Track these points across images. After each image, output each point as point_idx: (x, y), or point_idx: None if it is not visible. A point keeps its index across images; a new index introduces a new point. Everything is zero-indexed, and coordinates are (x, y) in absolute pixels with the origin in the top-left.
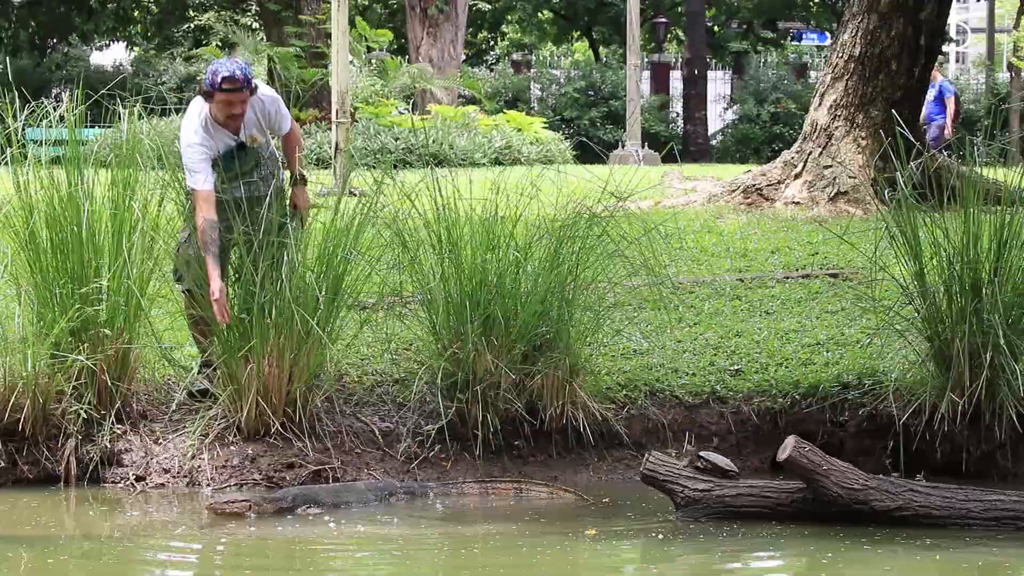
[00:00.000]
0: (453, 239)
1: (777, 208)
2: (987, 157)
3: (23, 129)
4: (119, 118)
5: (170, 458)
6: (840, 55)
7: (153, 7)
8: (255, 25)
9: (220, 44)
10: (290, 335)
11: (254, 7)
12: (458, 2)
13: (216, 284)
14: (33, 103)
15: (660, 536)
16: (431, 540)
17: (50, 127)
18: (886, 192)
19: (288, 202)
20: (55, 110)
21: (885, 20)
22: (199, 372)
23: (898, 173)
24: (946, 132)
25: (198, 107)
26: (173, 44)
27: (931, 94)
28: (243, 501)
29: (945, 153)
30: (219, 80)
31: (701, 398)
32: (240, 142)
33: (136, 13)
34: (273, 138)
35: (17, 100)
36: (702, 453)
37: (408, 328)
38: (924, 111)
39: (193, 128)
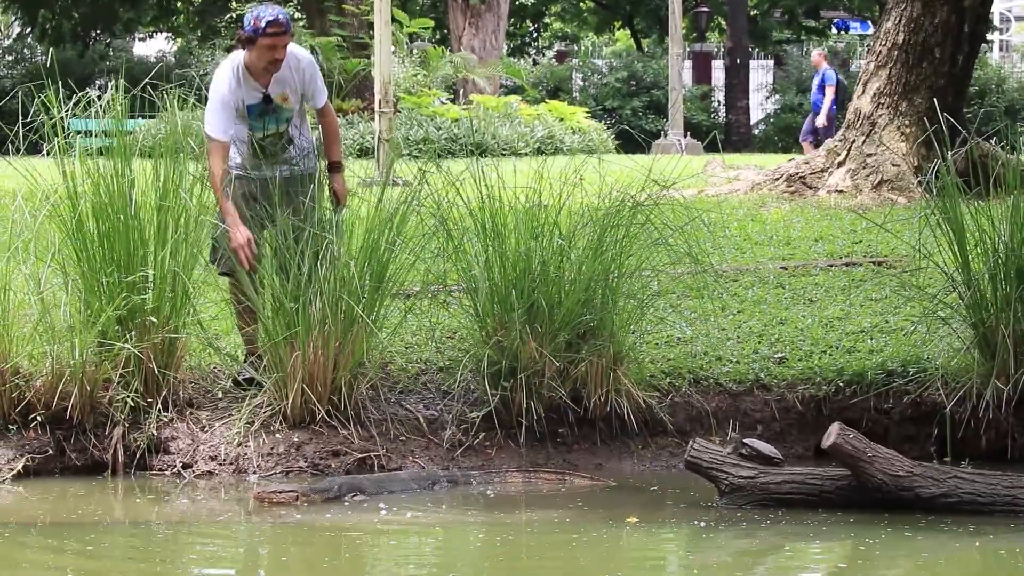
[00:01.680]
0: (497, 227)
1: (820, 196)
2: None
3: (68, 120)
4: (162, 108)
5: (216, 446)
6: (883, 43)
7: None
8: (297, 15)
9: None
10: (335, 323)
11: None
12: None
13: (239, 230)
14: (78, 94)
15: (702, 524)
16: (474, 527)
17: (96, 118)
18: (929, 179)
19: (329, 189)
20: (99, 100)
21: (929, 7)
22: (245, 360)
23: (941, 161)
24: (818, 121)
25: (231, 62)
26: (216, 34)
27: (815, 81)
28: (290, 491)
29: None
30: (263, 24)
31: (745, 386)
32: (266, 94)
33: (179, 3)
34: (305, 105)
35: (62, 91)
36: (746, 440)
37: (452, 316)
38: (811, 99)
39: (223, 77)
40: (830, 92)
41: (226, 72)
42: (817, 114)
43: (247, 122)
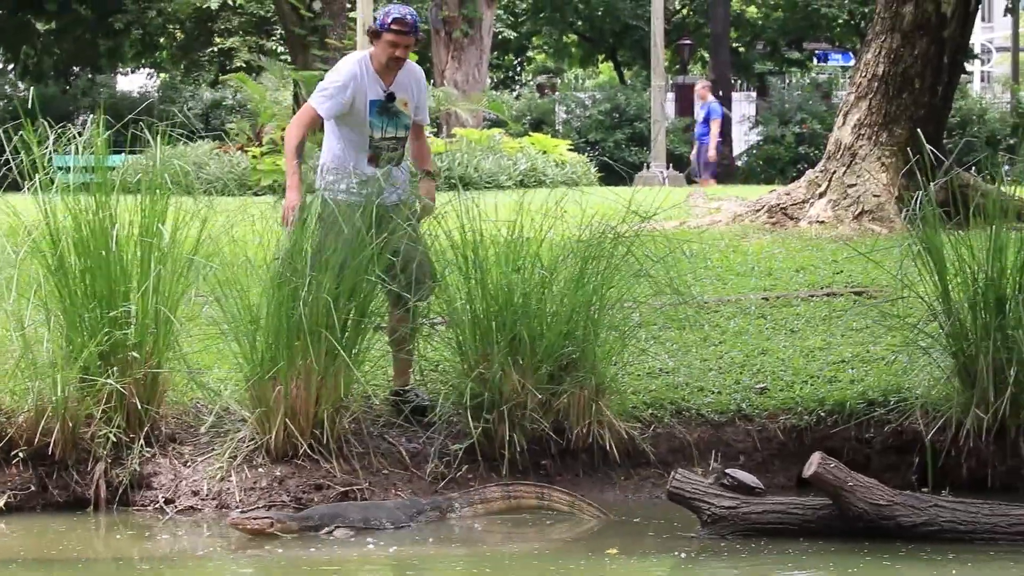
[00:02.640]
0: (479, 260)
1: (802, 227)
2: (1012, 175)
3: (50, 156)
4: (146, 143)
5: (199, 481)
6: (864, 74)
7: (178, 33)
8: (280, 50)
9: (247, 68)
10: (317, 358)
11: (279, 32)
12: (483, 26)
13: (294, 194)
14: (59, 129)
15: (683, 555)
16: (458, 558)
17: (77, 154)
18: (910, 209)
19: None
20: (81, 136)
21: (908, 39)
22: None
23: (921, 192)
24: (709, 154)
25: (360, 53)
26: (198, 68)
27: (700, 115)
28: (265, 518)
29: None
30: (389, 20)
31: (727, 416)
32: (389, 93)
33: (161, 39)
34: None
35: (43, 127)
36: (728, 471)
37: (435, 349)
38: (695, 131)
39: (349, 62)
40: (715, 126)
41: (352, 59)
42: (704, 148)
43: (367, 121)
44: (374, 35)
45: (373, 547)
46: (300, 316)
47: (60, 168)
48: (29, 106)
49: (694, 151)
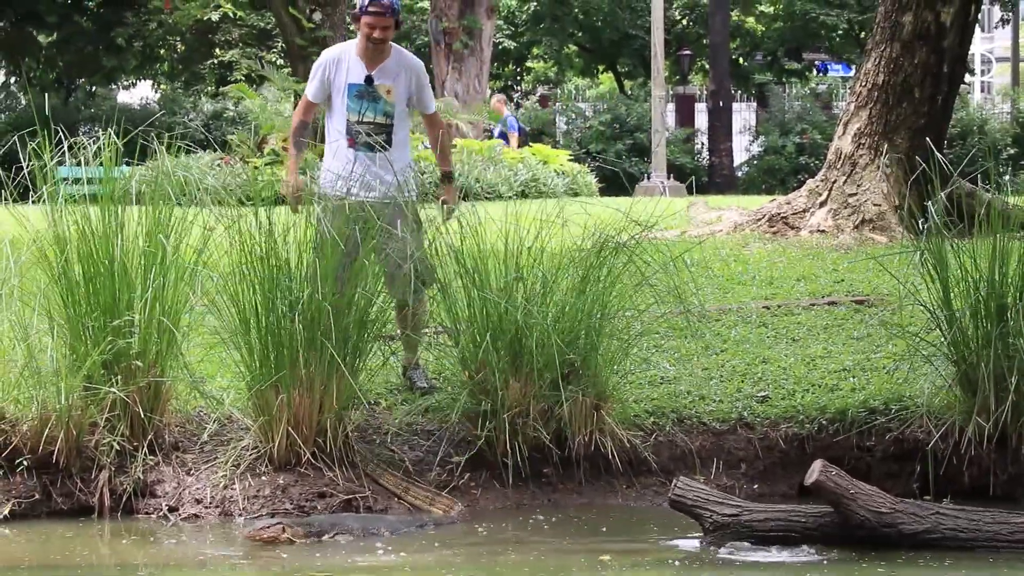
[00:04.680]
0: (480, 269)
1: (802, 236)
2: (1014, 185)
3: (54, 167)
4: (150, 155)
5: (202, 488)
6: (864, 84)
7: (179, 45)
8: (281, 61)
9: (247, 79)
10: (320, 366)
11: (280, 44)
12: (483, 37)
13: (291, 176)
14: (68, 140)
15: (676, 563)
16: (458, 566)
17: (83, 165)
18: (918, 219)
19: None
20: (87, 147)
21: (908, 48)
22: (408, 372)
23: (926, 200)
24: None
25: (348, 41)
26: (199, 81)
27: (498, 129)
28: (276, 525)
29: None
30: (366, 2)
31: (728, 424)
32: (367, 76)
33: (162, 51)
34: (413, 110)
35: (49, 137)
36: None
37: (437, 358)
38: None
39: (329, 49)
40: (513, 139)
41: (337, 45)
42: None
43: (344, 104)
44: (355, 19)
45: (380, 554)
46: (298, 324)
47: (65, 179)
48: (35, 115)
49: None
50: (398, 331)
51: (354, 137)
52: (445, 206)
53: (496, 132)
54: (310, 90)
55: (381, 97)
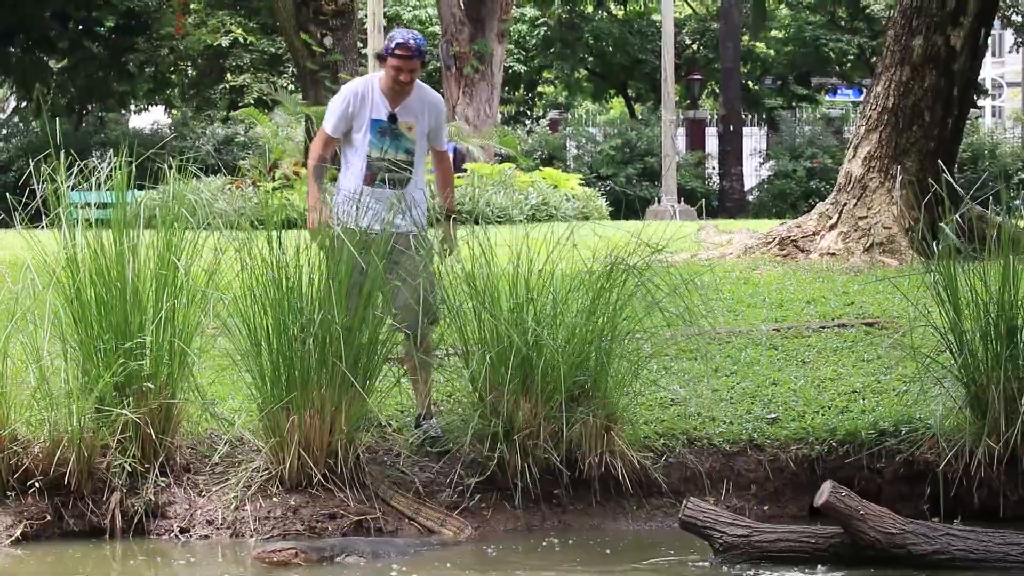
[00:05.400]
0: (490, 291)
1: (812, 259)
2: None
3: (68, 191)
4: (162, 179)
5: (214, 510)
6: (874, 107)
7: (190, 70)
8: (291, 87)
9: (258, 104)
10: (331, 388)
11: (291, 68)
12: (493, 61)
13: (312, 215)
14: (80, 164)
15: None
16: None
17: (97, 189)
18: (928, 242)
19: (437, 241)
20: (100, 170)
21: (918, 72)
22: (420, 421)
23: (938, 223)
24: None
25: (373, 74)
26: (210, 105)
27: None
28: (289, 549)
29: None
30: (393, 45)
31: (739, 446)
32: (391, 114)
33: (173, 76)
34: (427, 147)
35: (63, 162)
36: None
37: (448, 380)
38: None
39: (353, 82)
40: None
41: (361, 79)
42: None
43: (367, 140)
44: (380, 59)
45: (395, 574)
46: (309, 347)
47: (76, 204)
48: (50, 140)
49: None
50: (408, 372)
51: (374, 173)
52: (445, 244)
53: None
54: (329, 125)
55: (403, 134)
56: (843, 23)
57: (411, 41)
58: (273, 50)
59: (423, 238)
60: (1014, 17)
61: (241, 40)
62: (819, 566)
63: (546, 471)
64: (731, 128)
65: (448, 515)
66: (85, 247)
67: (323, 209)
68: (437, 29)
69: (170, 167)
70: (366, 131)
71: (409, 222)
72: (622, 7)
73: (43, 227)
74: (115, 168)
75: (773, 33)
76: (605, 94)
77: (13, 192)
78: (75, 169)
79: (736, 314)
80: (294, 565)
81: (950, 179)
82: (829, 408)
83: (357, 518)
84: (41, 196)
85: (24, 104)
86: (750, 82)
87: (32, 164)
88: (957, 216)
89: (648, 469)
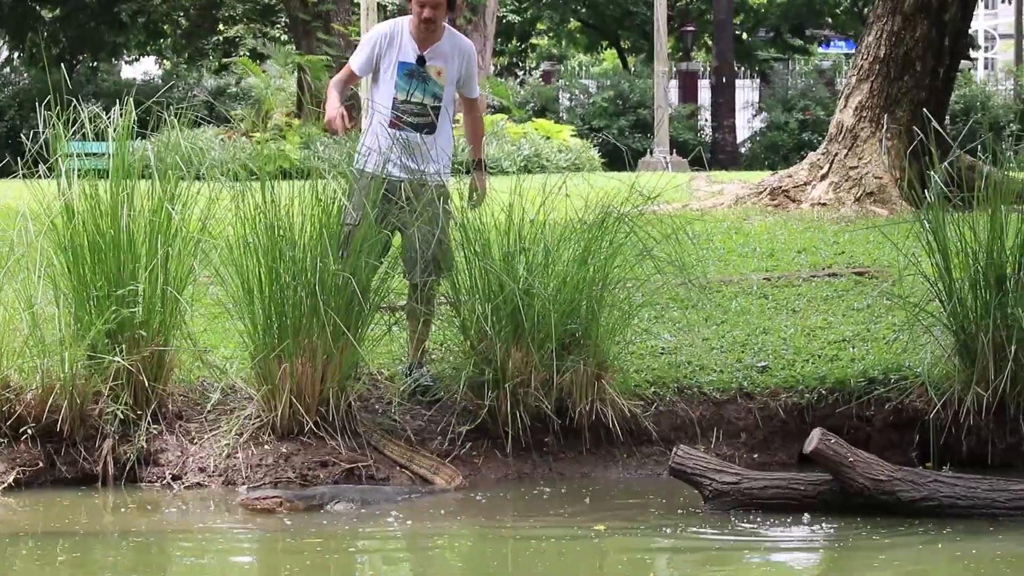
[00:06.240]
0: (482, 240)
1: (803, 209)
2: (1016, 159)
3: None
4: (157, 128)
5: (205, 457)
6: (865, 57)
7: (183, 20)
8: (284, 37)
9: (250, 54)
10: (323, 335)
11: (283, 19)
12: (486, 12)
13: (332, 105)
14: (83, 111)
15: (667, 530)
16: (451, 537)
17: (92, 139)
18: (918, 191)
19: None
20: (100, 118)
21: (909, 22)
22: (411, 370)
23: (930, 172)
24: None
25: (398, 18)
26: (203, 57)
27: None
28: (274, 497)
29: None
30: None
31: (728, 394)
32: (420, 56)
33: (166, 27)
34: (456, 90)
35: (61, 110)
36: None
37: (439, 329)
38: None
39: (383, 23)
40: None
41: (389, 21)
42: None
43: (393, 81)
44: (408, 1)
45: (379, 523)
46: (301, 295)
47: (70, 154)
48: (50, 88)
49: None
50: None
51: (399, 116)
52: (475, 193)
53: None
54: (356, 62)
55: (431, 78)
56: None
57: None
58: (266, 0)
59: (443, 188)
60: None
61: None
62: (808, 512)
63: (537, 419)
64: (723, 80)
65: (441, 463)
66: (80, 195)
67: (344, 115)
68: None
69: (167, 116)
70: (393, 72)
71: (432, 170)
72: None
73: (38, 177)
74: (118, 117)
75: None
76: (598, 45)
77: (6, 142)
78: (73, 118)
79: (727, 264)
80: (279, 513)
81: (939, 129)
82: (819, 356)
83: (349, 466)
84: (36, 147)
85: (15, 54)
86: (743, 34)
87: (38, 108)
88: (946, 165)
89: (638, 417)
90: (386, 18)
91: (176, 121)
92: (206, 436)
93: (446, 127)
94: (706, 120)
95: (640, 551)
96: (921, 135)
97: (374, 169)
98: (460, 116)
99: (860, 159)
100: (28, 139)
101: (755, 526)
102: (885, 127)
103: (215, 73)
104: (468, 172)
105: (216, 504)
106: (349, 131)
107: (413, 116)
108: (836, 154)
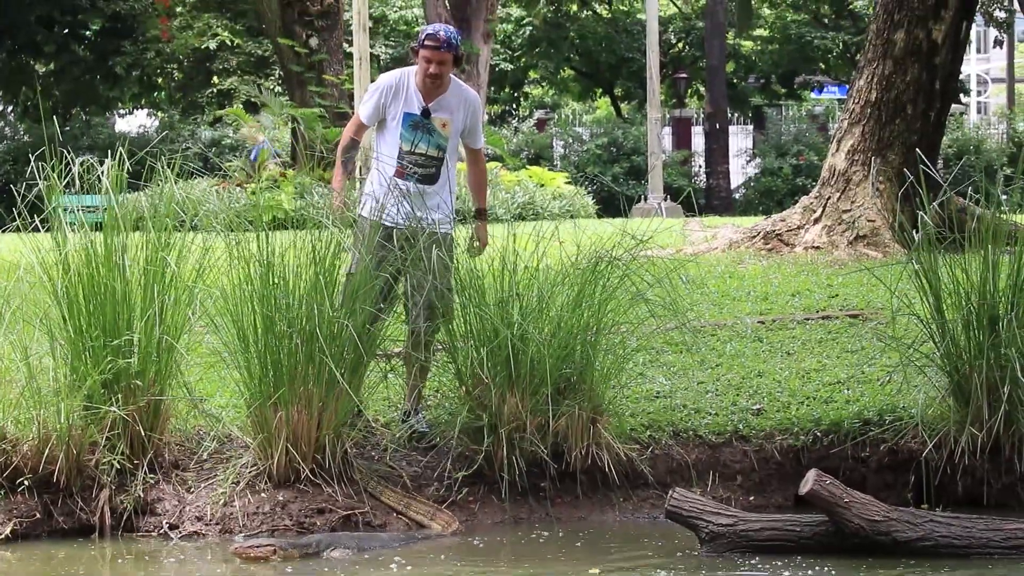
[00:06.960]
0: (477, 285)
1: (797, 252)
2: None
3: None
4: (152, 180)
5: (202, 506)
6: (856, 101)
7: (177, 73)
8: (278, 89)
9: (246, 107)
10: (319, 383)
11: (277, 71)
12: (479, 62)
13: (336, 184)
14: (78, 162)
15: (664, 573)
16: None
17: (87, 193)
18: (910, 233)
19: (467, 240)
20: (95, 169)
21: (900, 65)
22: (407, 416)
23: (920, 213)
24: None
25: (404, 68)
26: (197, 109)
27: (252, 155)
28: (267, 545)
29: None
30: (423, 36)
31: (724, 437)
32: (424, 108)
33: (160, 80)
34: (459, 139)
35: (56, 163)
36: None
37: (435, 375)
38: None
39: (390, 72)
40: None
41: (397, 70)
42: None
43: (398, 132)
44: (414, 52)
45: (378, 569)
46: (296, 343)
47: (65, 209)
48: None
49: None
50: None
51: (404, 167)
52: (475, 242)
53: (252, 157)
54: (363, 112)
55: (436, 130)
56: (827, 20)
57: (440, 32)
58: (260, 52)
59: (447, 237)
60: (997, 13)
61: (228, 43)
62: (804, 554)
63: (533, 464)
64: (717, 126)
65: (437, 509)
66: (76, 247)
67: (344, 193)
68: None
69: (161, 167)
70: (398, 123)
71: (434, 220)
72: (607, 6)
73: (33, 229)
74: (109, 170)
75: (758, 32)
76: (591, 93)
77: (0, 196)
78: (67, 171)
79: (721, 307)
80: (272, 561)
81: (930, 170)
82: (814, 398)
83: (345, 513)
84: (31, 198)
85: (10, 108)
86: (736, 80)
87: (13, 168)
88: (936, 206)
89: (634, 461)
90: (380, 69)
91: (170, 172)
92: (203, 485)
93: (450, 177)
94: (700, 166)
95: None
96: (912, 178)
97: (373, 216)
98: (463, 165)
99: (853, 202)
100: (22, 192)
101: (752, 568)
102: (873, 168)
103: (210, 125)
104: (467, 220)
105: (213, 553)
106: (349, 210)
107: (418, 167)
108: (829, 197)
